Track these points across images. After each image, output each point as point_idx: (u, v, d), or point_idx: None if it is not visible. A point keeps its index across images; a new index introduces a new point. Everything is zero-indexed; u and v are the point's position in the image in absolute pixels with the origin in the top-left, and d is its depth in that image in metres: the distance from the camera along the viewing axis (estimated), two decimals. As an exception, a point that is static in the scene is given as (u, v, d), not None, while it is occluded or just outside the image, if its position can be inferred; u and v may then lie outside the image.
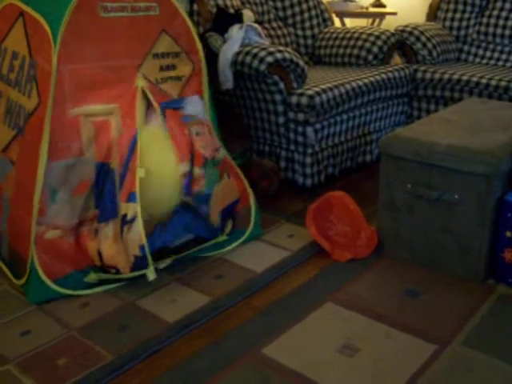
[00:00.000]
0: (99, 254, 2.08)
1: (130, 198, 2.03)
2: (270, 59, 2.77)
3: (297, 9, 3.73)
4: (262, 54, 2.80)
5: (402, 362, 1.76)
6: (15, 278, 2.15)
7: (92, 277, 2.12)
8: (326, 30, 3.80)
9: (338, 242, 2.42)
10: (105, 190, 2.09)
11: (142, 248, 2.00)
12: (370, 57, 3.47)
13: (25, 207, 2.05)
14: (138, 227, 2.00)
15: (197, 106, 2.33)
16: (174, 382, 1.69)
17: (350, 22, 4.85)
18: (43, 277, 2.03)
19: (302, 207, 2.64)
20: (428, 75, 3.40)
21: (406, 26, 3.68)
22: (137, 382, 1.70)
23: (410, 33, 3.62)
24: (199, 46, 2.39)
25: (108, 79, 2.11)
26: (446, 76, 3.34)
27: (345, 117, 3.04)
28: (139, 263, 2.02)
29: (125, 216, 2.02)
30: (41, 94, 2.03)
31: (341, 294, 2.12)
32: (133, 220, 2.01)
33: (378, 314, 2.00)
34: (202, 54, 2.40)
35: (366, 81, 3.09)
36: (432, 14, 4.04)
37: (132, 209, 2.02)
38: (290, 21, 3.73)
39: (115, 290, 2.13)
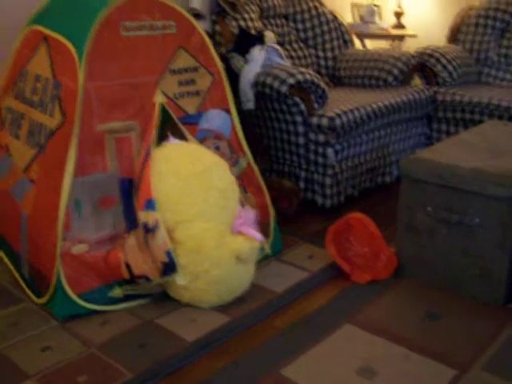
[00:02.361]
0: (127, 265, 2.09)
1: (148, 205, 2.04)
2: (291, 81, 2.79)
3: (318, 30, 3.76)
4: (284, 75, 2.82)
5: (422, 386, 1.75)
6: (36, 296, 2.16)
7: (117, 292, 2.13)
8: (346, 51, 3.82)
9: (357, 263, 2.42)
10: (130, 203, 2.12)
11: (168, 254, 2.01)
12: (391, 78, 3.48)
13: (47, 224, 2.07)
14: (162, 233, 2.01)
15: (216, 120, 2.37)
16: (193, 402, 1.69)
17: (370, 44, 4.87)
18: (69, 292, 2.05)
19: (322, 228, 2.64)
20: (448, 97, 3.41)
21: (427, 48, 3.69)
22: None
23: (431, 55, 3.63)
24: (217, 59, 2.44)
25: (129, 96, 2.16)
26: (466, 98, 3.34)
27: (365, 138, 3.05)
28: (167, 269, 2.02)
29: (146, 224, 2.03)
30: (65, 111, 2.07)
31: (360, 315, 2.12)
32: (155, 227, 2.02)
33: (397, 336, 1.99)
34: (220, 67, 2.44)
35: (386, 102, 3.10)
36: (452, 37, 4.05)
37: (152, 216, 2.03)
38: (311, 42, 3.76)
39: (135, 309, 2.14)
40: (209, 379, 1.78)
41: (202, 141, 2.34)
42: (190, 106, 2.34)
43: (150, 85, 2.22)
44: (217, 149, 2.36)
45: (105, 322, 2.06)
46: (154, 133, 2.15)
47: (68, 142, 2.03)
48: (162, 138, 2.20)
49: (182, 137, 2.26)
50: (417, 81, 3.66)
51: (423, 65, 3.63)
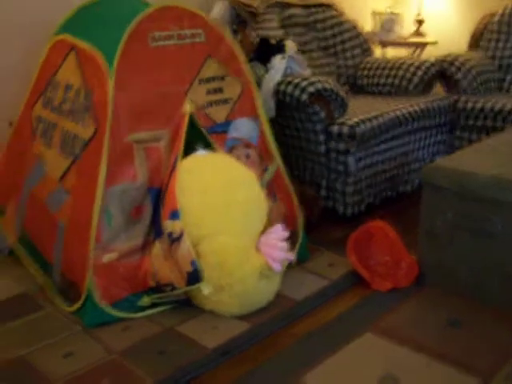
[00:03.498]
0: (154, 274, 2.11)
1: (173, 215, 2.06)
2: (311, 89, 2.80)
3: (338, 39, 3.77)
4: (304, 84, 2.83)
5: (444, 395, 1.74)
6: (66, 305, 2.18)
7: (145, 300, 2.15)
8: (366, 59, 3.82)
9: (378, 271, 2.41)
10: (159, 213, 2.14)
11: (193, 263, 2.02)
12: (411, 87, 3.47)
13: (80, 233, 2.09)
14: (186, 243, 2.03)
15: (244, 129, 2.39)
16: (213, 408, 1.70)
17: (391, 52, 4.86)
18: (99, 301, 2.07)
19: (343, 236, 2.63)
20: (469, 105, 3.38)
21: (447, 56, 3.67)
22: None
23: (451, 63, 3.61)
24: (246, 67, 2.44)
25: (158, 106, 2.18)
26: (488, 106, 3.31)
27: (385, 146, 3.04)
28: (192, 278, 2.03)
29: (171, 234, 2.05)
30: (97, 122, 2.10)
31: (381, 324, 2.11)
32: (180, 237, 2.03)
33: (419, 344, 1.98)
34: (249, 75, 2.45)
35: (406, 111, 3.09)
36: (474, 43, 4.03)
37: (177, 226, 2.04)
38: (331, 50, 3.77)
39: (156, 316, 2.15)
40: (229, 386, 1.79)
41: (231, 149, 2.36)
42: (218, 114, 2.35)
43: (178, 94, 2.24)
44: (247, 157, 2.38)
45: (126, 329, 2.08)
46: (181, 143, 2.17)
47: (100, 152, 2.06)
48: (189, 149, 2.22)
49: (210, 147, 2.28)
50: (438, 89, 3.65)
51: (444, 72, 3.61)
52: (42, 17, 2.64)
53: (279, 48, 3.14)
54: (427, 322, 2.12)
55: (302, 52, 3.49)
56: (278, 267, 2.10)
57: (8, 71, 2.60)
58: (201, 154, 2.25)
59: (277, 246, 2.11)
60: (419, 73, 3.47)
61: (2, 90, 2.60)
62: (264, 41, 3.23)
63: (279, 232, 2.16)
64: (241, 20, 3.32)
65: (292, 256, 2.19)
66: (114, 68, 2.07)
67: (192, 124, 2.23)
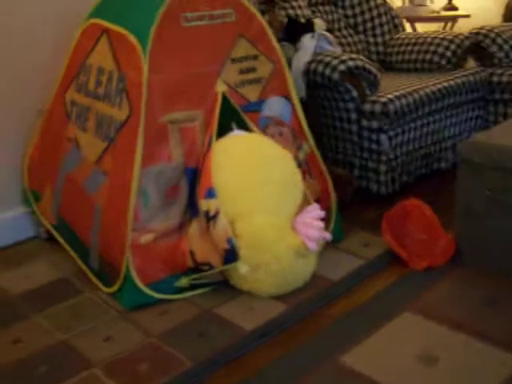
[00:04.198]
0: (191, 253, 2.12)
1: (209, 194, 2.07)
2: (342, 67, 2.76)
3: (367, 16, 3.71)
4: (335, 62, 2.80)
5: (483, 373, 1.72)
6: (105, 286, 2.21)
7: (184, 281, 2.16)
8: (397, 36, 3.76)
9: (414, 250, 2.39)
10: (193, 192, 2.16)
11: (229, 241, 2.03)
12: (444, 61, 3.41)
13: (118, 215, 2.12)
14: (223, 221, 2.03)
15: (276, 107, 2.39)
16: (253, 389, 1.71)
17: (421, 28, 4.78)
18: (137, 282, 2.09)
19: (377, 215, 2.62)
20: (505, 78, 3.31)
21: (481, 28, 3.59)
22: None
23: (486, 35, 3.52)
24: (277, 46, 2.44)
25: (191, 86, 2.19)
26: (525, 79, 3.24)
27: (419, 123, 3.00)
28: (229, 256, 2.04)
29: (207, 212, 2.06)
30: (132, 104, 2.12)
31: (418, 302, 2.09)
32: (215, 216, 2.04)
33: (457, 323, 1.96)
34: (281, 54, 2.44)
35: (440, 86, 3.04)
36: (509, 15, 3.93)
37: (213, 205, 2.05)
38: (360, 28, 3.72)
39: (193, 298, 2.17)
40: (267, 367, 1.80)
41: (264, 128, 2.36)
42: (251, 93, 2.36)
43: (211, 74, 2.25)
44: (280, 135, 2.38)
45: (164, 311, 2.10)
46: (215, 123, 2.18)
47: (135, 133, 2.08)
48: (225, 128, 2.23)
49: (245, 127, 2.28)
50: (471, 63, 3.57)
51: (477, 46, 3.53)
52: (71, 4, 2.64)
53: (308, 27, 3.11)
54: (465, 300, 2.10)
55: (331, 30, 3.45)
56: (313, 246, 2.10)
57: (39, 60, 2.62)
58: (236, 133, 2.26)
59: (313, 224, 2.11)
60: (452, 47, 3.40)
61: (33, 78, 2.62)
62: (292, 20, 3.20)
63: (315, 211, 2.15)
64: (268, 0, 3.29)
65: (328, 235, 2.18)
66: (148, 50, 2.08)
67: (226, 104, 2.24)
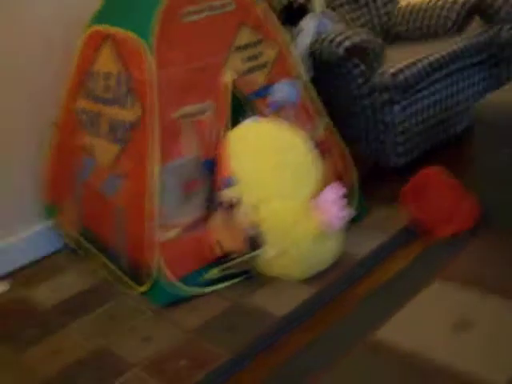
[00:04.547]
0: (218, 243, 2.15)
1: (229, 182, 2.11)
2: (347, 43, 2.74)
3: (368, -13, 3.67)
4: (339, 39, 2.77)
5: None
6: (138, 285, 2.23)
7: (214, 272, 2.18)
8: (399, 5, 3.71)
9: (438, 217, 2.37)
10: (213, 183, 2.18)
11: (252, 228, 2.06)
12: (449, 24, 3.34)
13: (141, 213, 2.14)
14: (245, 208, 2.06)
15: (285, 90, 2.39)
16: (291, 375, 1.72)
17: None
18: (168, 277, 2.11)
19: (398, 188, 2.59)
20: (513, 34, 3.25)
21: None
22: (252, 378, 1.75)
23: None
24: (280, 29, 2.45)
25: (199, 79, 2.21)
26: (534, 31, 3.17)
27: (431, 90, 2.96)
28: (254, 242, 2.07)
29: (227, 202, 2.09)
30: (142, 103, 2.14)
31: (448, 269, 2.08)
32: (236, 204, 2.07)
33: (491, 286, 1.95)
34: (283, 37, 2.46)
35: (447, 51, 2.98)
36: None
37: (234, 192, 2.08)
38: (362, 1, 3.67)
39: (222, 291, 2.18)
40: (302, 351, 1.81)
41: (276, 112, 2.37)
42: (259, 79, 2.37)
43: (217, 65, 2.26)
44: (291, 117, 2.39)
45: (195, 307, 2.11)
46: (227, 112, 2.21)
47: (149, 131, 2.10)
48: (237, 117, 2.25)
49: (256, 113, 2.30)
50: (477, 22, 3.51)
51: (481, 4, 3.46)
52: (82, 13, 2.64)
53: (308, 7, 3.09)
54: (496, 262, 2.09)
55: (332, 8, 3.41)
56: (335, 225, 2.09)
57: (46, 70, 2.63)
58: (249, 121, 2.27)
59: (335, 203, 2.11)
60: (456, 8, 3.34)
61: (40, 89, 2.63)
62: (291, 2, 3.18)
63: (336, 189, 2.15)
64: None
65: (351, 212, 2.18)
66: (152, 48, 2.10)
67: (235, 92, 2.26)
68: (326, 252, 2.17)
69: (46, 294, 2.36)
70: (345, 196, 2.17)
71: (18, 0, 2.50)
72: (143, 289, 2.20)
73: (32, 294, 2.39)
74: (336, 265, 2.21)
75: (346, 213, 2.15)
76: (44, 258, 2.66)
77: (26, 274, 2.55)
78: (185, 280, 2.15)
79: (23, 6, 2.52)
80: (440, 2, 3.43)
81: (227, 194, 2.11)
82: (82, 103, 2.48)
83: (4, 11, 2.47)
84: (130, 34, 2.18)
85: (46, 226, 2.71)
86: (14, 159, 2.59)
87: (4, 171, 2.56)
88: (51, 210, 2.69)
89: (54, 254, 2.69)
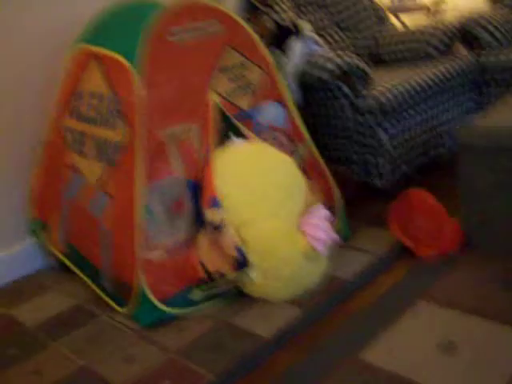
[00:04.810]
0: (202, 264, 2.13)
1: (213, 203, 2.10)
2: (331, 66, 2.77)
3: (352, 11, 3.72)
4: (323, 62, 2.81)
5: (504, 356, 1.72)
6: (120, 306, 2.22)
7: (196, 293, 2.17)
8: (383, 28, 3.77)
9: (422, 239, 2.39)
10: (198, 204, 2.18)
11: (237, 248, 2.05)
12: (431, 49, 3.41)
13: (126, 234, 2.13)
14: (229, 230, 2.06)
15: (270, 113, 2.41)
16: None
17: (409, 21, 4.77)
18: (151, 298, 2.10)
19: (381, 209, 2.62)
20: (492, 59, 3.31)
21: (471, 16, 3.58)
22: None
23: (471, 19, 3.52)
24: (265, 52, 2.47)
25: (184, 99, 2.21)
26: (512, 57, 3.24)
27: (413, 112, 3.00)
28: (239, 264, 2.06)
29: (213, 222, 2.08)
30: (128, 123, 2.14)
31: (433, 291, 2.10)
32: (222, 224, 2.06)
33: (474, 309, 1.96)
34: (269, 59, 2.47)
35: (430, 75, 3.04)
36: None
37: (218, 214, 2.08)
38: (345, 24, 3.72)
39: (208, 310, 2.17)
40: (288, 372, 1.80)
41: (259, 134, 2.38)
42: (243, 101, 2.39)
43: (202, 86, 2.27)
44: (274, 139, 2.40)
45: (180, 327, 2.10)
46: (212, 133, 2.22)
47: (134, 152, 2.10)
48: (221, 138, 2.26)
49: (241, 134, 2.31)
50: (459, 47, 3.57)
51: (464, 31, 3.53)
52: (65, 32, 2.65)
53: (296, 32, 3.12)
54: (479, 285, 2.11)
55: (317, 30, 3.46)
56: (321, 248, 2.10)
57: (37, 92, 2.63)
58: (234, 142, 2.28)
59: (319, 226, 2.11)
60: (438, 34, 3.41)
61: (32, 110, 2.63)
62: (277, 25, 3.21)
63: (320, 212, 2.15)
64: (253, 9, 3.31)
65: (336, 236, 2.18)
66: (138, 68, 2.11)
67: (220, 113, 2.27)
68: (312, 273, 2.17)
69: (29, 313, 2.33)
70: (331, 219, 2.18)
71: (5, 22, 2.52)
72: (125, 310, 2.18)
73: (14, 312, 2.35)
74: (321, 286, 2.21)
75: (331, 236, 2.15)
76: (28, 276, 2.63)
77: (9, 292, 2.52)
78: (169, 300, 2.14)
79: (10, 26, 2.53)
80: (422, 27, 3.50)
81: (212, 215, 2.11)
82: (69, 122, 2.47)
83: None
84: (117, 55, 2.19)
85: (30, 243, 2.68)
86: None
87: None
88: (37, 226, 2.66)
89: (37, 272, 2.66)
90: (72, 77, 2.45)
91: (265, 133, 2.41)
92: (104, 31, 2.42)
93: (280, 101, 2.48)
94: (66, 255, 2.53)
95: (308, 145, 2.52)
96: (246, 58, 2.40)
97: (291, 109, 2.50)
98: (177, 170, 2.18)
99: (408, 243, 2.35)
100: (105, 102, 2.26)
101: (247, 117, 2.38)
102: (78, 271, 2.47)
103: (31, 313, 2.34)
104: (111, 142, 2.22)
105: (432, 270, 2.23)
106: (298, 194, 2.24)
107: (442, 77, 3.09)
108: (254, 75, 2.42)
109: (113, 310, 2.24)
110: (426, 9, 4.66)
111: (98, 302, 2.31)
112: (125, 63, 2.14)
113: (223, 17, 2.34)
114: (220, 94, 2.30)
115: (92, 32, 2.47)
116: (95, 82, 2.30)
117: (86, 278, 2.42)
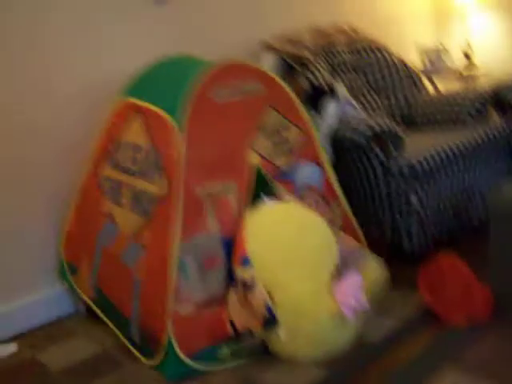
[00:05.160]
0: (231, 322, 2.14)
1: (244, 262, 2.13)
2: (364, 128, 2.81)
3: (389, 80, 3.77)
4: (360, 127, 2.84)
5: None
6: (147, 358, 2.22)
7: (225, 351, 2.16)
8: (420, 96, 3.81)
9: (452, 306, 2.36)
10: (230, 262, 2.20)
11: (268, 308, 2.06)
12: (467, 117, 3.44)
13: (158, 287, 2.15)
14: (260, 289, 2.07)
15: (306, 172, 2.46)
16: None
17: (442, 87, 4.82)
18: (179, 353, 2.10)
19: (411, 274, 2.59)
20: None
21: (503, 83, 3.61)
22: None
23: (504, 85, 3.53)
24: (305, 115, 2.54)
25: (225, 159, 2.28)
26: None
27: (447, 179, 3.00)
28: (268, 322, 2.07)
29: (244, 280, 2.10)
30: (169, 180, 2.19)
31: (461, 360, 2.05)
32: (252, 283, 2.08)
33: (506, 379, 1.91)
34: (309, 122, 2.54)
35: (465, 142, 3.05)
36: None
37: (248, 272, 2.10)
38: (383, 92, 3.77)
39: (234, 368, 2.16)
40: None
41: (301, 197, 2.42)
42: (280, 161, 2.44)
43: (243, 146, 2.34)
44: (317, 202, 2.45)
45: (205, 382, 2.09)
46: (249, 192, 2.27)
47: (173, 207, 2.14)
48: (257, 199, 2.30)
49: (278, 196, 2.34)
50: (493, 115, 3.59)
51: (499, 98, 3.55)
52: (99, 84, 2.76)
53: (330, 93, 3.18)
54: (507, 355, 2.05)
55: (351, 91, 3.51)
56: (351, 315, 2.09)
57: (71, 138, 2.73)
58: (269, 202, 2.31)
59: (351, 293, 2.11)
60: (472, 98, 3.43)
61: (66, 155, 2.72)
62: (314, 87, 3.28)
63: (354, 278, 2.15)
64: (289, 70, 3.39)
65: (367, 304, 2.17)
66: (182, 127, 2.17)
67: (259, 174, 2.32)
68: (340, 336, 2.16)
69: (54, 357, 2.35)
70: (363, 285, 2.18)
71: (51, 75, 2.67)
72: (152, 363, 2.18)
73: (39, 355, 2.38)
74: (348, 349, 2.19)
75: (362, 303, 2.15)
76: (57, 320, 2.67)
77: (36, 336, 2.54)
78: (196, 356, 2.13)
79: (55, 80, 2.69)
80: (458, 96, 3.54)
81: (242, 274, 2.13)
82: (107, 171, 2.54)
83: (37, 86, 2.63)
84: (162, 112, 2.26)
85: (58, 289, 2.73)
86: (31, 221, 2.66)
87: (19, 234, 2.63)
88: (67, 269, 2.71)
89: (67, 317, 2.70)
90: (114, 127, 2.53)
91: (308, 195, 2.45)
92: (148, 86, 2.51)
93: (316, 161, 2.53)
94: (94, 301, 2.56)
95: (343, 207, 2.54)
96: (285, 117, 2.46)
97: (327, 169, 2.53)
98: (213, 227, 2.21)
99: (438, 310, 2.32)
100: (144, 154, 2.32)
101: (287, 178, 2.44)
102: (105, 318, 2.49)
103: (56, 357, 2.36)
104: (148, 194, 2.27)
105: (462, 338, 2.19)
106: (329, 256, 2.25)
107: (473, 142, 3.10)
108: (293, 135, 2.48)
109: (138, 360, 2.24)
110: (458, 73, 4.69)
111: (123, 350, 2.32)
112: (169, 121, 2.21)
113: (264, 77, 2.42)
114: (261, 155, 2.36)
115: (136, 86, 2.56)
116: (138, 135, 2.38)
117: (112, 326, 2.43)
